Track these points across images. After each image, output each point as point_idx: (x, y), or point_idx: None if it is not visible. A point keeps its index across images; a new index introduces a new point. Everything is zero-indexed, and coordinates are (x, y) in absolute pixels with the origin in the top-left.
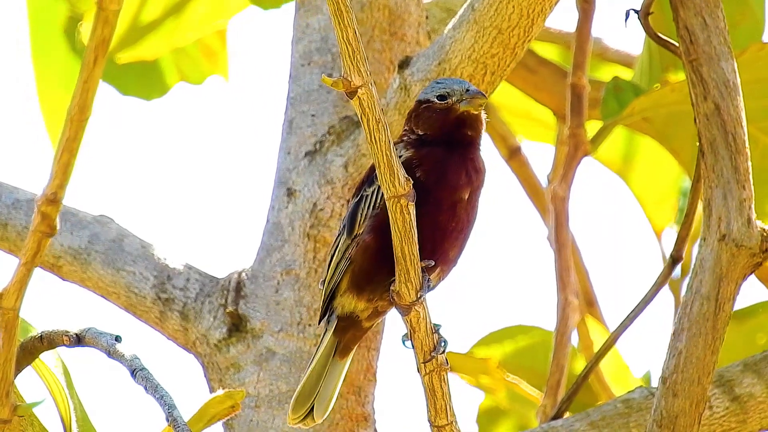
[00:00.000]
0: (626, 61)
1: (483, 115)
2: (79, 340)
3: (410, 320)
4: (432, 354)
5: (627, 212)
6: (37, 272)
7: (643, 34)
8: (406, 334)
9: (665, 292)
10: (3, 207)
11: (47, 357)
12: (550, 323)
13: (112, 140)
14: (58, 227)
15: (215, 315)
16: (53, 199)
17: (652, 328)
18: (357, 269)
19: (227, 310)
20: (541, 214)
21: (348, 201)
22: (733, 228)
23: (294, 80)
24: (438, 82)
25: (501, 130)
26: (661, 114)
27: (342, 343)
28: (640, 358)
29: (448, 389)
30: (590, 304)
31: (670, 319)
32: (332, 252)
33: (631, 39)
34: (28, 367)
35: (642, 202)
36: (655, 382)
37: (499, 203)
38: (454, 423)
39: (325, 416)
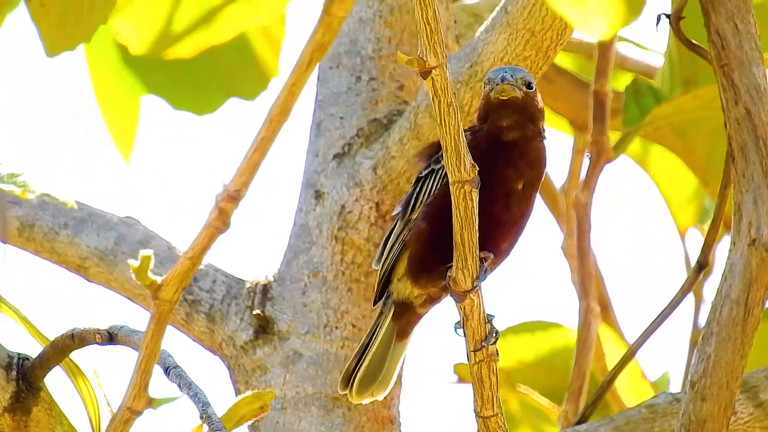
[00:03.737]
0: (645, 71)
1: (532, 100)
2: (111, 338)
3: (464, 308)
4: (483, 343)
5: (647, 213)
6: (63, 273)
7: (662, 42)
8: (459, 321)
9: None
10: (30, 208)
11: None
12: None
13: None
14: (231, 225)
15: (242, 317)
16: (235, 196)
17: (668, 330)
18: (412, 255)
19: (254, 313)
20: (558, 222)
21: (377, 204)
22: (763, 233)
23: (322, 83)
24: (492, 71)
25: None
26: (681, 121)
27: (398, 327)
28: (655, 360)
29: (496, 380)
30: (604, 308)
31: (686, 322)
32: (385, 239)
33: (650, 47)
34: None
35: (668, 200)
36: (673, 385)
37: None
38: (500, 414)
39: (386, 392)
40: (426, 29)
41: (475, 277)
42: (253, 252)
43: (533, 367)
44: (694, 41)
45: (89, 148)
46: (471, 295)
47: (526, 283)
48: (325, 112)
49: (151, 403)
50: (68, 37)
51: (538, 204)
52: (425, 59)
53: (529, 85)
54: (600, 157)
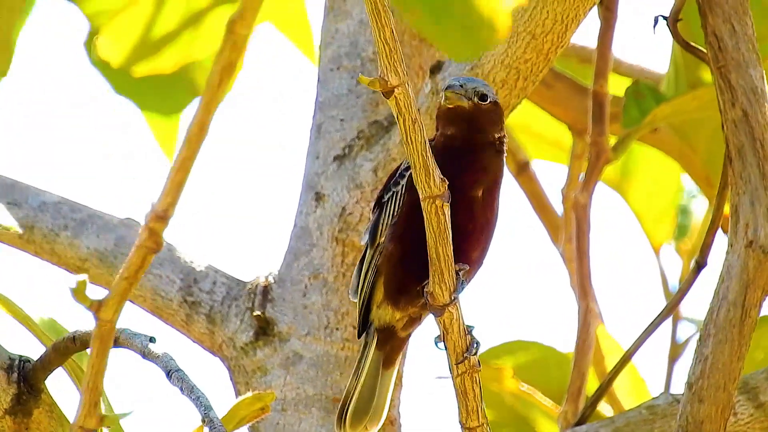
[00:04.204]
0: (641, 75)
1: (483, 112)
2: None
3: (443, 321)
4: (465, 355)
5: (624, 227)
6: (61, 274)
7: (662, 47)
8: (439, 335)
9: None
10: (29, 209)
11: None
12: (556, 334)
13: (134, 146)
14: (163, 244)
15: (242, 318)
16: (163, 216)
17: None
18: (387, 279)
19: (254, 314)
20: (548, 230)
21: None
22: (760, 234)
23: (322, 85)
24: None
25: (509, 145)
26: (681, 122)
27: (384, 355)
28: (649, 364)
29: (480, 391)
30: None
31: (664, 339)
32: (357, 269)
33: (648, 51)
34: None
35: (640, 217)
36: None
37: (507, 219)
38: (485, 425)
39: (379, 425)
40: (385, 49)
41: (452, 290)
42: (254, 253)
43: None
44: (692, 43)
45: (90, 148)
46: (450, 308)
47: (525, 288)
48: (325, 114)
49: (103, 420)
50: None
51: (533, 213)
52: (387, 79)
53: (482, 97)
54: (599, 158)
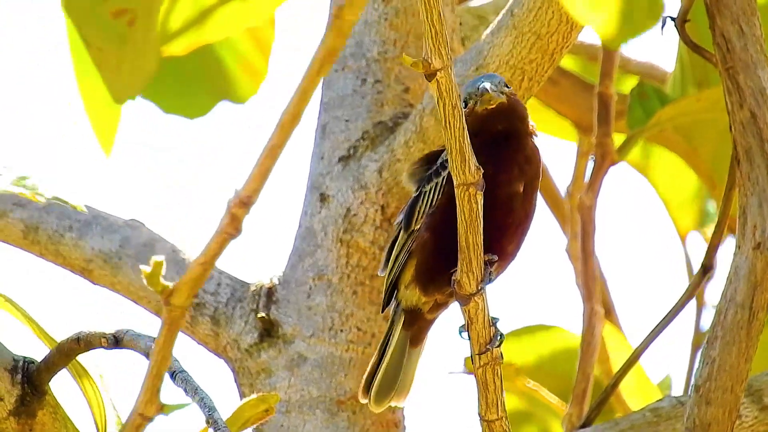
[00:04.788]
0: (649, 73)
1: (516, 99)
2: (117, 342)
3: (469, 311)
4: (488, 346)
5: (647, 217)
6: (67, 276)
7: (667, 46)
8: (464, 324)
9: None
10: (34, 210)
11: (84, 359)
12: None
13: (141, 147)
14: (242, 231)
15: (246, 320)
16: (247, 202)
17: (669, 334)
18: (419, 265)
19: (258, 315)
20: (561, 225)
21: (382, 207)
22: None
23: (327, 85)
24: (470, 83)
25: None
26: (686, 123)
27: (411, 334)
28: (656, 364)
29: (501, 384)
30: (608, 312)
31: (687, 326)
32: (389, 246)
33: (656, 51)
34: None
35: (667, 204)
36: (675, 388)
37: None
38: (504, 418)
39: (406, 400)
40: (431, 31)
41: (479, 280)
42: (258, 255)
43: (535, 370)
44: (699, 44)
45: (91, 148)
46: (476, 298)
47: (531, 287)
48: (330, 115)
49: (163, 409)
50: (127, 85)
51: (542, 208)
52: (430, 61)
53: (506, 85)
54: (604, 159)
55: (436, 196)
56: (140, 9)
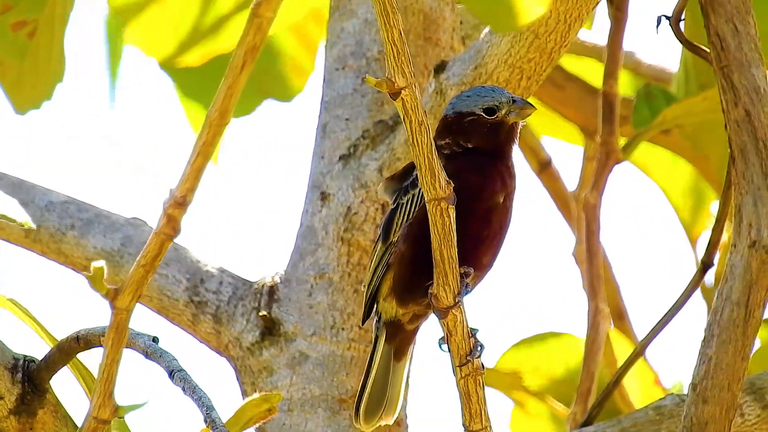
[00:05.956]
0: (660, 76)
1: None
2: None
3: (447, 323)
4: (468, 358)
5: (658, 219)
6: (68, 274)
7: (677, 48)
8: (443, 337)
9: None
10: (36, 209)
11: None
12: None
13: (143, 144)
14: (181, 231)
15: (248, 318)
16: (182, 202)
17: (685, 335)
18: (395, 277)
19: (260, 314)
20: (572, 227)
21: (382, 205)
22: (763, 234)
23: (328, 84)
24: (479, 94)
25: (532, 143)
26: (691, 123)
27: (394, 347)
28: (671, 366)
29: (484, 394)
30: (620, 317)
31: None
32: (371, 257)
33: (666, 53)
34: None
35: (677, 207)
36: (686, 390)
37: (529, 216)
38: (488, 428)
39: (394, 417)
40: (393, 50)
41: (456, 293)
42: (260, 253)
43: (545, 378)
44: (695, 43)
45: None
46: (453, 310)
47: (538, 289)
48: (330, 114)
49: (118, 411)
50: (30, 96)
51: (551, 208)
52: (394, 80)
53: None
54: (609, 158)
55: (412, 209)
56: (41, 20)
